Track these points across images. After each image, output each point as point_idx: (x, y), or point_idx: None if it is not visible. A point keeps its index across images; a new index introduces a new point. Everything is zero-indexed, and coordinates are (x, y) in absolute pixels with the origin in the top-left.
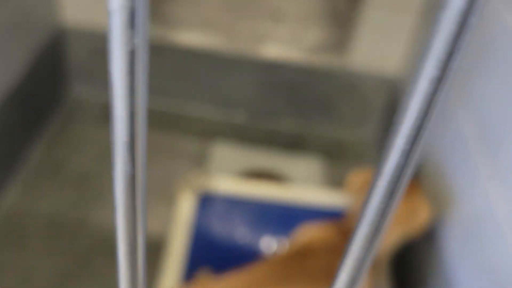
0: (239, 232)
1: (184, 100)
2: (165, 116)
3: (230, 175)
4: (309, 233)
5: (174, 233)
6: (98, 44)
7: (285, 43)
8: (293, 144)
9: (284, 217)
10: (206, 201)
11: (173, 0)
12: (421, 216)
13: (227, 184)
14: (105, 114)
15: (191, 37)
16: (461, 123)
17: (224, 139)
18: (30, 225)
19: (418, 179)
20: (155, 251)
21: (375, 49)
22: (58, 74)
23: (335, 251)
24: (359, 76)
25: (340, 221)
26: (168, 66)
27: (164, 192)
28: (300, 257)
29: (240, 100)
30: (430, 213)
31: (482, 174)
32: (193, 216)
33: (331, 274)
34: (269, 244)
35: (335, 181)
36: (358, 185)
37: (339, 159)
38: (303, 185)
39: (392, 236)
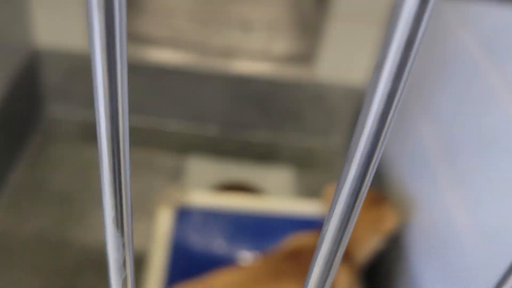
0: (217, 244)
1: (158, 116)
2: (140, 132)
3: (206, 188)
4: (299, 240)
5: (153, 247)
6: (72, 64)
7: (255, 55)
8: (266, 155)
9: (260, 228)
10: (184, 215)
11: (143, 18)
12: (389, 222)
13: (203, 197)
14: (82, 133)
15: (162, 53)
16: (422, 135)
17: (199, 153)
18: (15, 245)
19: (382, 191)
20: (136, 266)
21: (342, 60)
22: (35, 94)
23: None
24: (327, 86)
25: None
26: (141, 83)
27: (144, 208)
28: (292, 256)
29: (212, 114)
30: (397, 218)
31: (442, 183)
32: (171, 231)
33: None
34: (247, 254)
35: (308, 190)
36: (329, 195)
37: (310, 168)
38: (276, 195)
39: (365, 243)
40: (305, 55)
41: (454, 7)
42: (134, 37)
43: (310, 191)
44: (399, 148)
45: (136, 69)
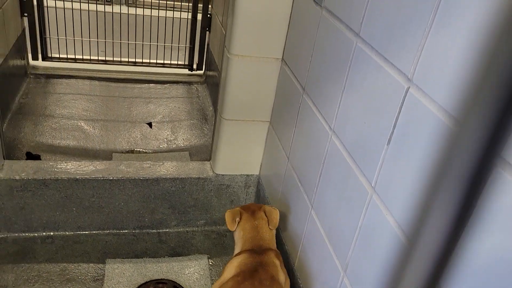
0: None
1: (72, 228)
2: (55, 246)
3: None
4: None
5: None
6: None
7: (158, 149)
8: (180, 248)
9: None
10: None
11: (44, 130)
12: (275, 218)
13: None
14: None
15: (69, 164)
16: (312, 218)
17: (116, 257)
18: None
19: (260, 205)
20: None
21: (238, 153)
22: None
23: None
24: (227, 176)
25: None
26: (52, 197)
27: None
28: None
29: (125, 217)
30: (278, 215)
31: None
32: None
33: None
34: None
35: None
36: (231, 219)
37: (222, 255)
38: (194, 287)
39: (273, 235)
40: (205, 151)
41: (323, 119)
42: (41, 149)
43: None
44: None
45: (47, 184)
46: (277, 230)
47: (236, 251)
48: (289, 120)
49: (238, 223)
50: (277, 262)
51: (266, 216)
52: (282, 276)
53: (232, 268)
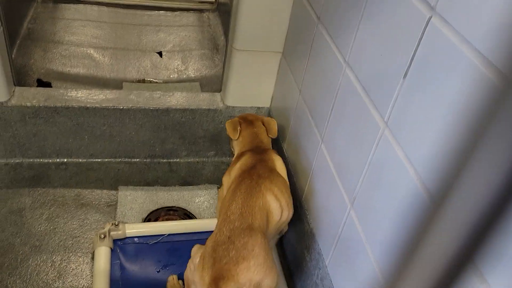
0: (156, 270)
1: (84, 155)
2: (69, 172)
3: (138, 217)
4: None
5: (95, 284)
6: None
7: (169, 78)
8: (189, 178)
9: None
10: (122, 248)
11: (54, 56)
12: (274, 127)
13: (138, 228)
14: (6, 179)
15: (80, 93)
16: (322, 151)
17: (128, 184)
18: None
19: (257, 115)
20: None
21: (249, 83)
22: None
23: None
24: (239, 109)
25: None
26: (63, 124)
27: (81, 246)
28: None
29: (136, 146)
30: (276, 125)
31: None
32: (110, 265)
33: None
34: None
35: None
36: (232, 128)
37: None
38: (204, 215)
39: (269, 139)
40: (216, 81)
41: (337, 51)
42: (51, 77)
43: None
44: (306, 149)
45: (58, 111)
46: (286, 163)
47: (235, 154)
48: (302, 51)
49: (240, 132)
50: (277, 157)
51: (265, 126)
52: (283, 170)
53: (236, 171)
